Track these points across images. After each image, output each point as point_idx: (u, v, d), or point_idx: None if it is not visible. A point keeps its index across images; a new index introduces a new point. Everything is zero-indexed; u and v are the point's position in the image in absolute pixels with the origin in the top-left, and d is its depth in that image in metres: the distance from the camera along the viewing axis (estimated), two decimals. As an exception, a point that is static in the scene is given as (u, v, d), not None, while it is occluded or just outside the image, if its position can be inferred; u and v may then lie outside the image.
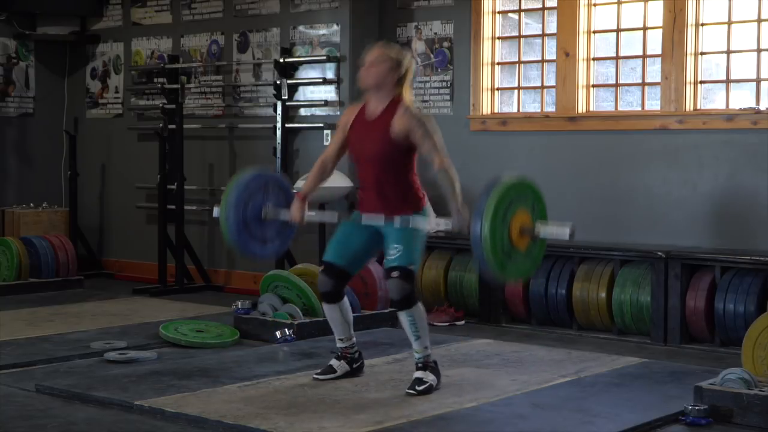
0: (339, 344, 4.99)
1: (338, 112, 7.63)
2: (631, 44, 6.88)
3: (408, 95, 4.78)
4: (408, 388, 4.67)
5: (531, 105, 7.27)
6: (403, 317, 4.68)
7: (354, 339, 5.01)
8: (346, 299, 4.93)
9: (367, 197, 4.79)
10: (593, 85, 6.98)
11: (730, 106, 6.45)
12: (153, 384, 4.77)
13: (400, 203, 4.73)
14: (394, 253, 4.65)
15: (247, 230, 4.86)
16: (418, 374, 4.71)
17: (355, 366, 5.00)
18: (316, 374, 4.95)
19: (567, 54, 6.92)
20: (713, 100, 6.58)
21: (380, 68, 4.72)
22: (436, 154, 4.63)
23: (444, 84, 7.47)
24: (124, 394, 4.56)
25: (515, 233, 4.28)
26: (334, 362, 4.98)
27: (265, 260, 4.98)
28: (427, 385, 4.67)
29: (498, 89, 7.37)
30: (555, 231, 4.36)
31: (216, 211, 4.95)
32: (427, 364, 4.73)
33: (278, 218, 4.92)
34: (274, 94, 7.86)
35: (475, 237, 4.21)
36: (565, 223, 4.35)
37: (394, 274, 4.62)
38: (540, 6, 7.20)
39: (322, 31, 7.76)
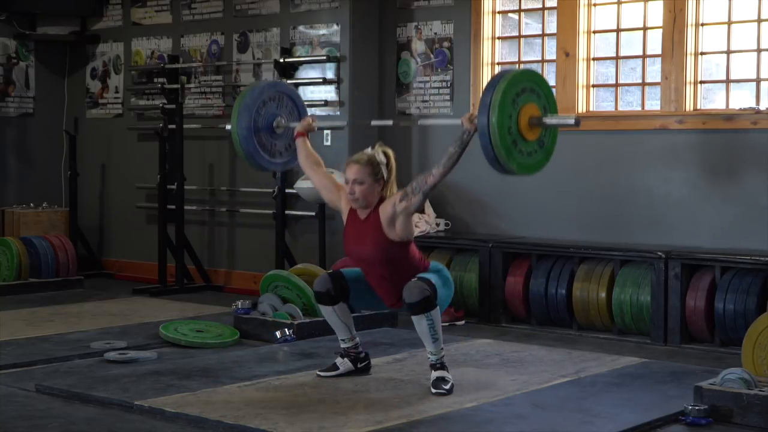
0: (342, 344, 5.01)
1: (338, 112, 7.64)
2: (631, 44, 6.88)
3: (394, 189, 4.81)
4: (434, 389, 4.64)
5: (531, 105, 7.26)
6: (423, 321, 4.61)
7: (357, 339, 5.02)
8: (342, 302, 4.93)
9: (376, 285, 4.85)
10: (593, 85, 6.98)
11: (730, 106, 6.45)
12: (153, 384, 4.77)
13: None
14: (419, 276, 4.72)
15: (257, 137, 4.90)
16: (439, 374, 4.70)
17: (360, 365, 5.00)
18: (320, 371, 4.96)
19: (567, 54, 6.92)
20: (713, 100, 6.58)
21: (366, 186, 4.73)
22: (426, 178, 4.64)
23: (444, 84, 7.47)
24: (124, 394, 4.56)
25: (523, 122, 4.41)
26: (338, 360, 4.99)
27: (272, 170, 5.08)
28: (451, 383, 4.68)
29: (498, 89, 7.36)
30: (560, 120, 4.58)
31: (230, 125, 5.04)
32: (444, 364, 4.73)
33: (290, 127, 5.03)
34: (274, 94, 7.85)
35: (482, 124, 4.32)
36: (569, 115, 4.46)
37: (422, 280, 4.65)
38: (540, 6, 7.20)
39: (322, 31, 7.76)
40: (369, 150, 4.83)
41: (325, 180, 5.03)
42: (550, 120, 4.57)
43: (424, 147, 7.63)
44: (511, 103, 4.40)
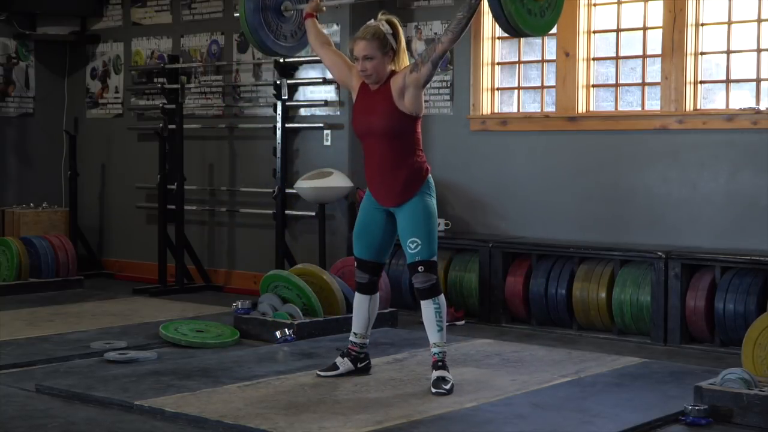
0: (352, 338, 4.99)
1: (338, 112, 7.64)
2: (631, 44, 6.88)
3: (405, 59, 4.80)
4: (434, 388, 4.64)
5: (531, 105, 7.27)
6: (429, 306, 4.71)
7: (367, 340, 5.02)
8: (377, 295, 4.96)
9: (375, 178, 4.80)
10: (593, 85, 6.98)
11: (730, 106, 6.45)
12: (153, 384, 4.77)
13: (409, 182, 4.73)
14: (414, 247, 4.70)
15: (263, 14, 4.86)
16: (440, 373, 4.70)
17: (360, 365, 5.00)
18: (320, 371, 4.96)
19: (567, 54, 6.92)
20: (713, 100, 6.58)
21: (376, 61, 4.73)
22: (434, 47, 4.61)
23: (444, 84, 7.47)
24: (124, 394, 4.55)
25: None
26: (338, 360, 4.99)
27: (275, 52, 5.03)
28: (451, 384, 4.68)
29: (498, 89, 7.37)
30: None
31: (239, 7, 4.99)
32: (445, 362, 4.74)
33: (298, 10, 4.97)
34: (274, 94, 7.86)
35: None
36: None
37: (420, 268, 4.69)
38: (540, 6, 7.19)
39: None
40: (373, 21, 4.80)
41: (335, 57, 4.98)
42: None
43: (425, 145, 7.61)
44: None
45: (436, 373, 4.70)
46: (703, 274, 6.07)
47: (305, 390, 4.70)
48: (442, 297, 4.74)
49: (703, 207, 6.47)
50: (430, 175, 4.84)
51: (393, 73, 4.78)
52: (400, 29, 4.83)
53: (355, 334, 4.98)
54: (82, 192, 8.97)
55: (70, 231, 8.73)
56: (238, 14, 5.09)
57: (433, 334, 4.73)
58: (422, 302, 4.75)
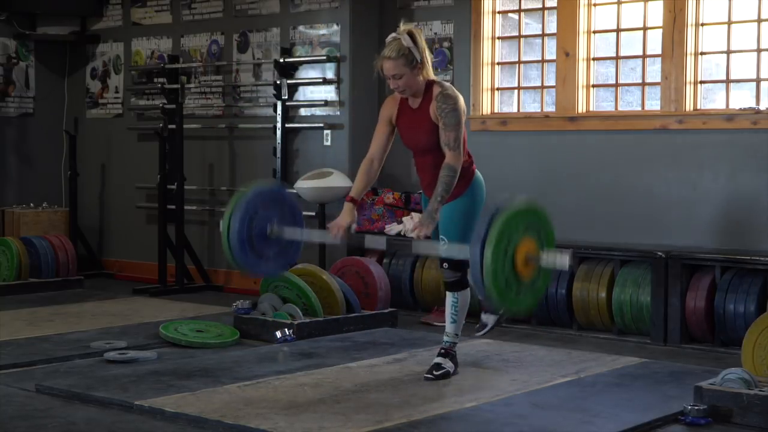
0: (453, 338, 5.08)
1: (338, 112, 7.64)
2: (631, 44, 6.88)
3: (430, 68, 4.83)
4: (426, 373, 4.90)
5: (531, 105, 7.27)
6: (449, 298, 4.97)
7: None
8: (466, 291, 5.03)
9: (430, 183, 4.87)
10: (593, 85, 6.98)
11: (730, 106, 6.45)
12: (153, 384, 4.77)
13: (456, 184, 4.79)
14: (443, 243, 4.83)
15: (250, 246, 4.80)
16: (438, 360, 4.95)
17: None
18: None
19: (567, 54, 6.93)
20: (713, 100, 6.58)
21: (406, 78, 4.77)
22: (450, 150, 4.72)
23: (444, 84, 7.46)
24: (124, 394, 4.55)
25: (520, 261, 4.19)
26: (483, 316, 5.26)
27: (257, 274, 4.93)
28: (444, 371, 4.90)
29: (498, 89, 7.37)
30: (555, 260, 4.28)
31: (222, 225, 4.84)
32: (449, 351, 4.98)
33: (283, 237, 4.80)
34: (274, 94, 7.86)
35: (475, 263, 4.12)
36: (564, 251, 4.26)
37: (445, 265, 4.90)
38: (540, 6, 7.20)
39: (322, 31, 7.76)
40: (394, 35, 4.80)
41: (384, 136, 4.97)
42: (545, 260, 4.28)
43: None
44: (505, 249, 4.14)
45: (435, 359, 4.94)
46: (703, 274, 6.07)
47: (305, 390, 4.70)
48: (465, 292, 4.95)
49: (703, 207, 6.47)
50: (477, 176, 4.97)
51: (431, 84, 4.83)
52: (420, 38, 4.83)
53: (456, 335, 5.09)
54: (82, 192, 8.97)
55: (70, 231, 8.73)
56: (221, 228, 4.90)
57: (447, 324, 5.02)
58: (447, 293, 4.99)
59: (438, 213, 4.65)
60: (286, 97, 7.82)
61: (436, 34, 7.48)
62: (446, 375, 4.90)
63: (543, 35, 7.18)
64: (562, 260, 4.26)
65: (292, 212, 4.91)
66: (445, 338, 5.01)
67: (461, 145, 4.75)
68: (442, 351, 4.99)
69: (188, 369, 5.12)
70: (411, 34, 4.80)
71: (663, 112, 6.60)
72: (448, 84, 4.93)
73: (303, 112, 7.88)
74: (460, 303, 4.96)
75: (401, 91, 4.83)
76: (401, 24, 4.87)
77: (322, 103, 7.71)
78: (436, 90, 4.81)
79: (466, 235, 4.71)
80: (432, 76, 4.86)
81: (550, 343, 6.04)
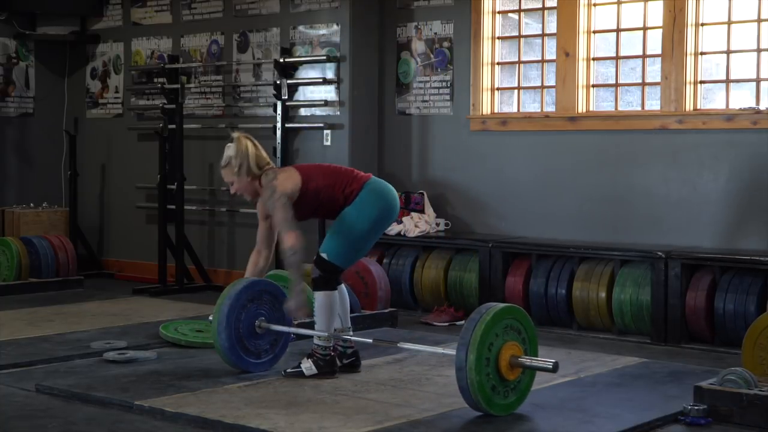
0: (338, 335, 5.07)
1: (338, 112, 7.64)
2: (631, 44, 6.88)
3: (255, 168, 4.90)
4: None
5: (531, 105, 7.27)
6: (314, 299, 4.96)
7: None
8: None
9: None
10: (593, 85, 6.98)
11: (730, 106, 6.45)
12: (153, 384, 4.77)
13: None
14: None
15: (240, 345, 4.98)
16: (303, 359, 4.94)
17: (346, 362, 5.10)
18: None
19: (567, 54, 6.92)
20: (713, 100, 6.58)
21: (236, 183, 4.91)
22: (282, 234, 4.80)
23: (444, 84, 7.47)
24: (124, 394, 4.56)
25: (503, 364, 4.26)
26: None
27: (258, 371, 5.08)
28: (298, 370, 4.89)
29: (498, 89, 7.37)
30: (540, 364, 4.32)
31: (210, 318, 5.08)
32: (313, 353, 4.91)
33: (271, 330, 5.06)
34: (274, 94, 7.86)
35: (460, 365, 4.17)
36: (548, 360, 4.31)
37: (315, 258, 4.93)
38: (540, 6, 7.20)
39: (322, 31, 7.76)
40: (227, 146, 4.93)
41: (263, 226, 5.11)
42: (528, 362, 4.33)
43: (425, 145, 7.64)
44: (488, 351, 4.23)
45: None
46: (703, 274, 6.07)
47: (305, 390, 4.70)
48: (322, 294, 4.86)
49: (703, 207, 6.47)
50: (365, 188, 4.90)
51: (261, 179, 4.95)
52: (242, 144, 4.89)
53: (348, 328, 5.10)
54: (82, 192, 8.97)
55: (70, 231, 8.74)
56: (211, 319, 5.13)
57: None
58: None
59: (303, 290, 4.75)
60: (286, 97, 7.82)
61: (436, 34, 7.49)
62: (299, 375, 4.87)
63: (543, 35, 7.18)
64: (545, 365, 4.30)
65: (278, 303, 5.08)
66: (314, 340, 4.95)
67: (290, 226, 4.74)
68: (309, 352, 4.96)
69: (188, 369, 5.12)
70: (235, 141, 4.90)
71: (663, 112, 6.60)
72: (271, 172, 4.90)
73: (303, 112, 7.88)
74: (319, 303, 4.89)
75: (240, 195, 4.98)
76: (234, 133, 4.97)
77: (322, 103, 7.71)
78: (262, 183, 4.89)
79: (339, 236, 4.88)
80: (263, 169, 4.89)
81: (550, 343, 6.03)
